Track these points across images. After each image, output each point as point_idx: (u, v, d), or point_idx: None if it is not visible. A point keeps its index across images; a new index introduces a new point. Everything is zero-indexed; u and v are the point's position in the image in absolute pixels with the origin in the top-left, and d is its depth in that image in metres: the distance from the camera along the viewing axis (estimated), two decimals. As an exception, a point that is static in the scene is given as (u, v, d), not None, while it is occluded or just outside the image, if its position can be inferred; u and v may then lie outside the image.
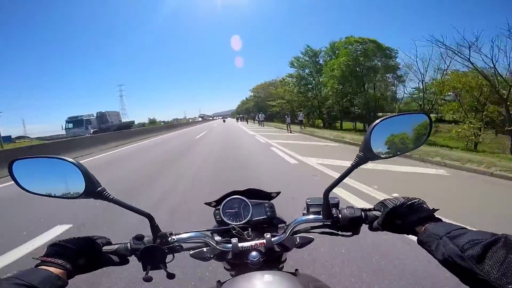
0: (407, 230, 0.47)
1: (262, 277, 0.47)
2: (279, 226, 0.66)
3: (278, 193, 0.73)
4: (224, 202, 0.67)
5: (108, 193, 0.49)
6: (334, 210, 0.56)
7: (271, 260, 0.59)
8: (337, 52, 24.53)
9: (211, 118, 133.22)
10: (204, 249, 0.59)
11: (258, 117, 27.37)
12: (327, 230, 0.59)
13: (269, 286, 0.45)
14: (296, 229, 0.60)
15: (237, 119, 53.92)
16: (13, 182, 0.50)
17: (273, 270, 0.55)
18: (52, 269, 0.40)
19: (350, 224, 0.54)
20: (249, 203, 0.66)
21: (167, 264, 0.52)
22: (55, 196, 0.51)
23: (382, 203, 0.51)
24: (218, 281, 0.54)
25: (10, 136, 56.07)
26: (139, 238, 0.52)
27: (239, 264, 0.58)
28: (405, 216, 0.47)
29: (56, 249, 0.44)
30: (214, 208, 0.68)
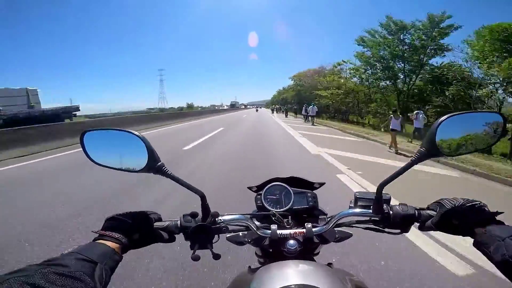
0: (464, 231, 0.45)
1: (298, 266, 0.46)
2: (320, 217, 0.64)
3: (322, 184, 0.72)
4: (266, 187, 0.67)
5: (167, 169, 0.50)
6: (384, 206, 0.54)
7: (307, 251, 0.57)
8: (438, 27, 14.83)
9: (243, 107, 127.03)
10: (240, 233, 0.58)
11: (306, 110, 18.42)
12: (372, 226, 0.56)
13: (306, 276, 0.43)
14: (339, 222, 0.58)
15: (272, 111, 41.35)
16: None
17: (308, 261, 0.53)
18: (109, 243, 0.41)
19: (402, 221, 0.52)
20: (291, 190, 0.65)
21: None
22: (117, 169, 0.52)
23: (439, 203, 0.50)
24: (249, 267, 0.55)
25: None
26: (193, 215, 0.53)
27: (273, 251, 0.58)
28: (464, 217, 0.45)
29: (113, 223, 0.45)
30: (255, 193, 0.68)
